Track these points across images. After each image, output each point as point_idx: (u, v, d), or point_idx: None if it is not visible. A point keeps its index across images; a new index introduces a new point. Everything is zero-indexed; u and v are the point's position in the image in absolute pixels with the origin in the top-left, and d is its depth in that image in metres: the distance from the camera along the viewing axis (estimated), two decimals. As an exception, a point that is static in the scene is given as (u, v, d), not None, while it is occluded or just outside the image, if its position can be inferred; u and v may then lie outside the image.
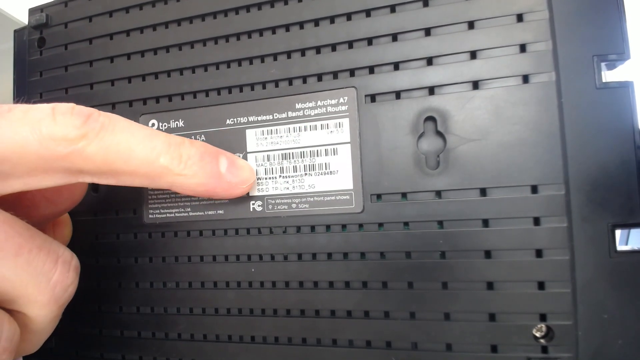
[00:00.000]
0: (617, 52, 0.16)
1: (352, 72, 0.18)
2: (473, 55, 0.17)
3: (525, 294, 0.16)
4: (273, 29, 0.19)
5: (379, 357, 0.18)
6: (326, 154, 0.19)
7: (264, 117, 0.19)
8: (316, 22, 0.19)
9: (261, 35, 0.20)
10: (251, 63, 0.20)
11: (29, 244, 0.15)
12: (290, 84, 0.19)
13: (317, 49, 0.19)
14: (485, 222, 0.17)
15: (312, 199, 0.19)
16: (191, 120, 0.20)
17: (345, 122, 0.18)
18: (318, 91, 0.19)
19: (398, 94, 0.18)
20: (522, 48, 0.17)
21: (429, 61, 0.18)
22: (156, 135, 0.16)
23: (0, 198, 0.15)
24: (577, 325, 0.16)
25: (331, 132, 0.19)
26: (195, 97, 0.20)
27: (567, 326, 0.16)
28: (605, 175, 0.16)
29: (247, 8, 0.20)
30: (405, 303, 0.17)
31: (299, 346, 0.19)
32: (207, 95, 0.20)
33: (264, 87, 0.19)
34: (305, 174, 0.19)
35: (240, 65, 0.20)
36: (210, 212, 0.20)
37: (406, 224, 0.18)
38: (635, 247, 0.17)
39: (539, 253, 0.16)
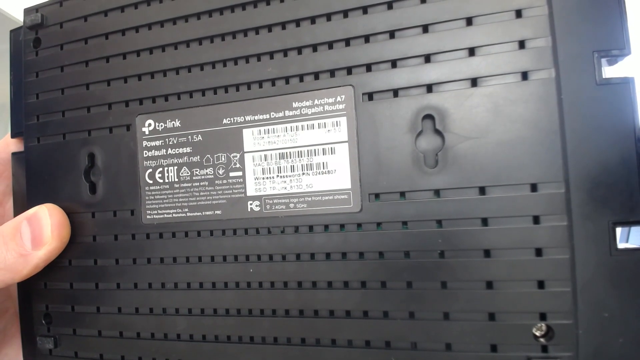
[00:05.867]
0: (617, 48, 0.16)
1: (349, 70, 0.18)
2: (471, 52, 0.17)
3: (525, 293, 0.16)
4: (269, 27, 0.19)
5: (378, 357, 0.18)
6: (324, 153, 0.18)
7: (261, 117, 0.19)
8: (313, 19, 0.19)
9: (257, 33, 0.19)
10: (247, 62, 0.19)
11: None
12: (287, 82, 0.19)
13: (314, 47, 0.19)
14: (485, 221, 0.17)
15: (310, 199, 0.18)
16: (188, 120, 0.20)
17: (343, 120, 0.18)
18: (315, 90, 0.19)
19: (396, 92, 0.18)
20: (521, 44, 0.16)
21: (427, 58, 0.17)
22: None
23: None
24: (578, 324, 0.16)
25: (328, 131, 0.18)
26: (191, 96, 0.20)
27: (567, 325, 0.16)
28: (605, 172, 0.16)
29: (243, 6, 0.20)
30: (404, 303, 0.17)
31: (298, 346, 0.19)
32: (203, 95, 0.20)
33: (260, 86, 0.19)
34: (303, 174, 0.19)
35: (236, 64, 0.20)
36: (208, 213, 0.20)
37: (405, 223, 0.17)
38: (636, 245, 0.17)
39: (538, 252, 0.16)
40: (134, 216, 0.21)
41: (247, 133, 0.19)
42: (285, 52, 0.19)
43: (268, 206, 0.19)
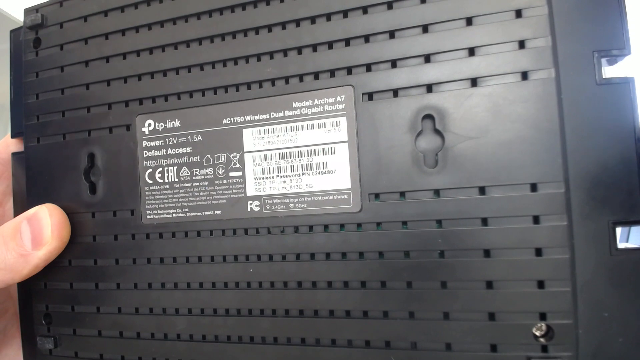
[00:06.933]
0: (617, 48, 0.16)
1: (349, 70, 0.18)
2: (471, 52, 0.17)
3: (525, 292, 0.16)
4: (269, 27, 0.19)
5: (378, 357, 0.18)
6: (323, 153, 0.18)
7: (261, 117, 0.19)
8: (312, 19, 0.19)
9: (257, 33, 0.19)
10: (247, 62, 0.19)
11: None
12: (287, 82, 0.19)
13: (314, 47, 0.19)
14: (484, 221, 0.17)
15: (309, 199, 0.18)
16: (187, 120, 0.20)
17: (343, 120, 0.18)
18: (315, 90, 0.19)
19: (396, 92, 0.18)
20: (521, 44, 0.16)
21: (427, 58, 0.17)
22: None
23: None
24: (578, 324, 0.16)
25: (328, 131, 0.18)
26: (191, 96, 0.20)
27: (567, 325, 0.16)
28: (605, 172, 0.16)
29: (243, 6, 0.20)
30: (404, 303, 0.17)
31: (298, 346, 0.19)
32: (203, 95, 0.20)
33: (260, 86, 0.19)
34: (303, 174, 0.19)
35: (236, 64, 0.20)
36: (207, 213, 0.20)
37: (405, 223, 0.17)
38: (636, 245, 0.17)
39: (538, 252, 0.16)
40: (133, 216, 0.21)
41: (247, 133, 0.19)
42: (285, 52, 0.19)
43: (268, 206, 0.19)
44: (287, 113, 0.19)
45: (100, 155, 0.21)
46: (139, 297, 0.21)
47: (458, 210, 0.17)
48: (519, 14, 0.16)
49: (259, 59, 0.19)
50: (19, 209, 0.23)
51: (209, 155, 0.20)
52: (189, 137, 0.20)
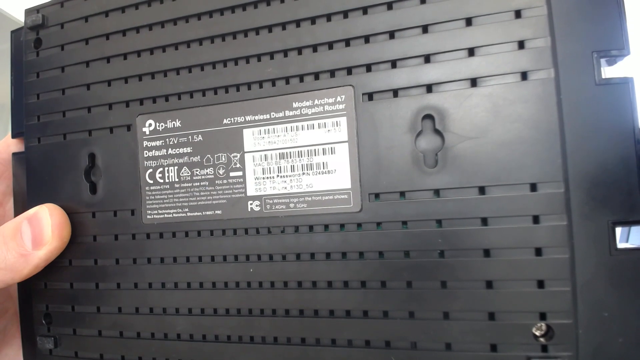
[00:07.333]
0: (617, 48, 0.16)
1: (349, 71, 0.18)
2: (471, 52, 0.17)
3: (524, 292, 0.16)
4: (269, 28, 0.19)
5: (378, 357, 0.18)
6: (324, 153, 0.18)
7: (261, 117, 0.19)
8: (313, 20, 0.19)
9: (257, 33, 0.19)
10: (248, 62, 0.19)
11: None
12: (287, 82, 0.19)
13: (314, 48, 0.19)
14: (484, 221, 0.17)
15: (310, 199, 0.19)
16: (188, 120, 0.20)
17: (343, 120, 0.18)
18: (315, 90, 0.19)
19: (395, 92, 0.18)
20: (521, 44, 0.16)
21: (427, 59, 0.17)
22: None
23: None
24: (577, 324, 0.16)
25: (328, 131, 0.18)
26: (192, 96, 0.20)
27: (567, 325, 0.16)
28: (605, 172, 0.16)
29: (243, 6, 0.20)
30: (404, 302, 0.17)
31: (298, 346, 0.19)
32: (203, 95, 0.20)
33: (260, 86, 0.19)
34: (303, 174, 0.19)
35: (236, 64, 0.20)
36: (208, 213, 0.20)
37: (405, 223, 0.17)
38: (636, 245, 0.17)
39: (538, 251, 0.16)
40: (134, 216, 0.21)
41: (247, 133, 0.19)
42: (285, 53, 0.19)
43: (268, 206, 0.19)
44: (287, 113, 0.19)
45: (101, 155, 0.21)
46: (139, 297, 0.21)
47: (458, 210, 0.17)
48: (518, 14, 0.16)
49: (259, 59, 0.19)
50: (19, 209, 0.23)
51: (209, 155, 0.20)
52: (190, 137, 0.20)
